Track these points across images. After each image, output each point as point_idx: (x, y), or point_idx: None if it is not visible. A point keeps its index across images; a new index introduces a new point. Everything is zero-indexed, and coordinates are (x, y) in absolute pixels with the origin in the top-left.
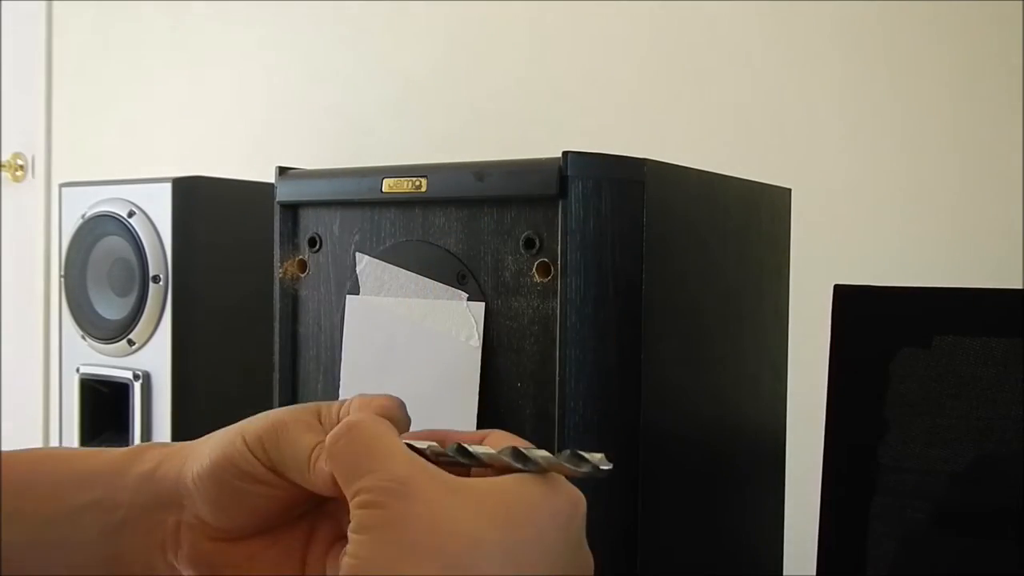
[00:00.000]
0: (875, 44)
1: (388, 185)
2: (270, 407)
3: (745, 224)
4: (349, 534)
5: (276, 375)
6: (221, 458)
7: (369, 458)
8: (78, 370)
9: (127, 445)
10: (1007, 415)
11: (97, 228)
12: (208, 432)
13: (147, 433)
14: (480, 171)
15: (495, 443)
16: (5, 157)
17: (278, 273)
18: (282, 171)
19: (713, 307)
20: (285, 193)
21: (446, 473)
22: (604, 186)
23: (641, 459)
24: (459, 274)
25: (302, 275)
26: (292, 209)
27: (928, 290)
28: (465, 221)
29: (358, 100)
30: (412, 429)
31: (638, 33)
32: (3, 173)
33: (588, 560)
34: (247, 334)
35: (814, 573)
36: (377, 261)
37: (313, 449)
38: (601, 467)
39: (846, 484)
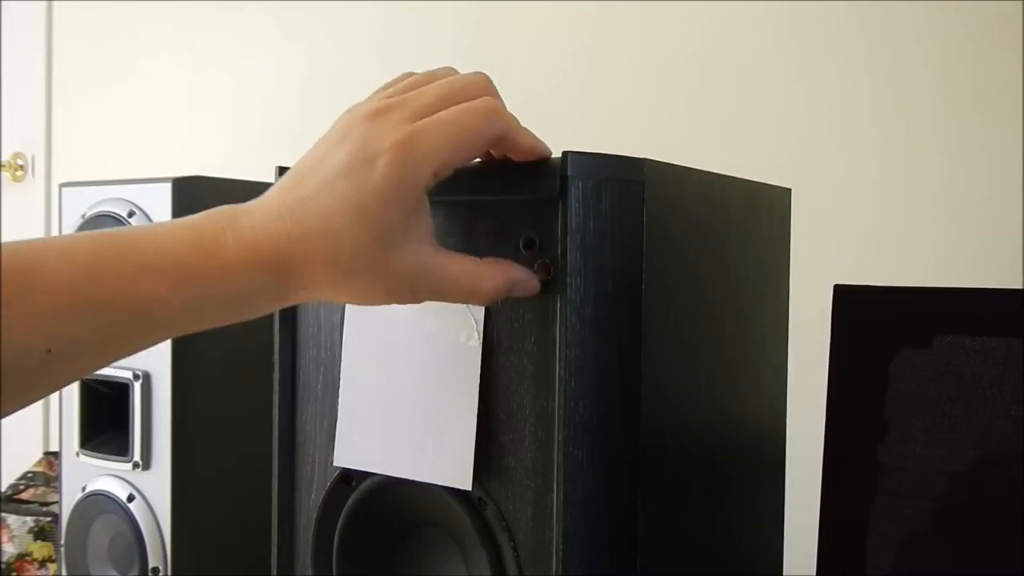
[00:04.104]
0: (876, 44)
1: None
2: (270, 407)
3: (745, 224)
4: None
5: (276, 375)
6: None
7: None
8: None
9: (127, 445)
10: (1007, 415)
11: (97, 228)
12: (207, 435)
13: (147, 433)
14: (480, 171)
15: None
16: (5, 157)
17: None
18: (282, 171)
19: (713, 307)
20: None
21: None
22: (604, 186)
23: (641, 459)
24: None
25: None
26: None
27: (928, 290)
28: (465, 221)
29: (358, 100)
30: (406, 429)
31: (639, 33)
32: (3, 173)
33: None
34: (247, 334)
35: (814, 573)
36: None
37: None
38: None
39: (846, 484)
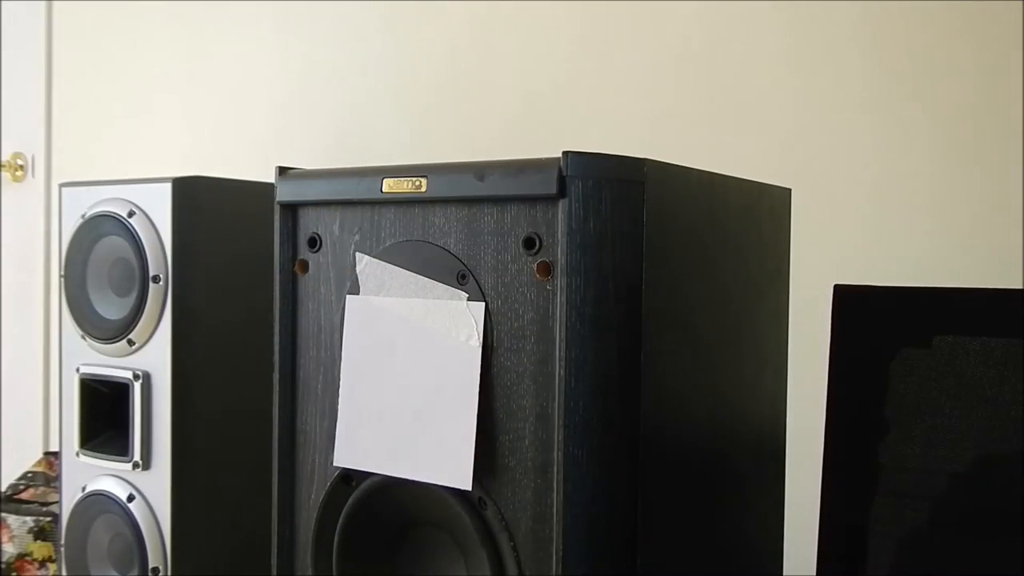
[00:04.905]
0: (875, 45)
1: (388, 185)
2: (270, 407)
3: (745, 224)
4: None
5: (276, 375)
6: None
7: None
8: (78, 370)
9: (127, 445)
10: (1007, 415)
11: (97, 228)
12: (207, 435)
13: (147, 433)
14: (480, 171)
15: None
16: (5, 157)
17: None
18: (282, 171)
19: (713, 307)
20: (285, 193)
21: None
22: (604, 186)
23: (641, 459)
24: (459, 274)
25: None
26: (292, 209)
27: (928, 290)
28: (465, 221)
29: (358, 100)
30: (406, 429)
31: (639, 34)
32: (3, 173)
33: None
34: (247, 334)
35: (814, 573)
36: (377, 261)
37: None
38: None
39: (846, 484)
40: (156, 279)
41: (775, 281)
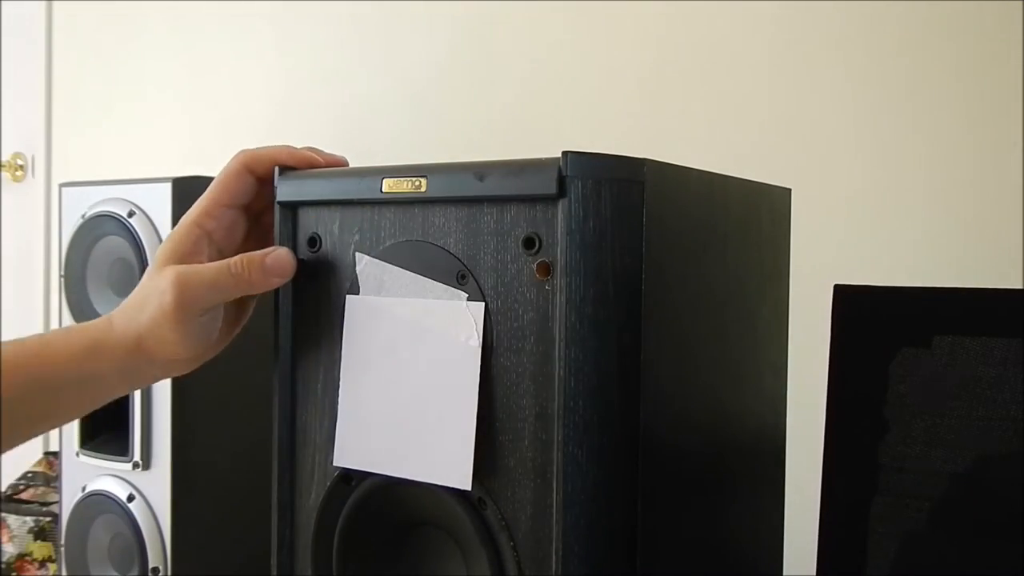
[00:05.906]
0: (875, 44)
1: (388, 185)
2: (270, 407)
3: (745, 224)
4: None
5: (276, 375)
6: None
7: None
8: None
9: (127, 445)
10: (1007, 415)
11: (97, 228)
12: (207, 435)
13: (147, 433)
14: (480, 171)
15: None
16: (5, 157)
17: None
18: (282, 171)
19: (713, 307)
20: (285, 193)
21: None
22: (604, 186)
23: (641, 459)
24: (459, 274)
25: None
26: (292, 209)
27: (928, 290)
28: (465, 221)
29: (358, 100)
30: (406, 429)
31: (639, 33)
32: (3, 173)
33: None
34: (247, 334)
35: (814, 573)
36: (377, 261)
37: None
38: None
39: (846, 484)
40: None
41: (775, 281)
